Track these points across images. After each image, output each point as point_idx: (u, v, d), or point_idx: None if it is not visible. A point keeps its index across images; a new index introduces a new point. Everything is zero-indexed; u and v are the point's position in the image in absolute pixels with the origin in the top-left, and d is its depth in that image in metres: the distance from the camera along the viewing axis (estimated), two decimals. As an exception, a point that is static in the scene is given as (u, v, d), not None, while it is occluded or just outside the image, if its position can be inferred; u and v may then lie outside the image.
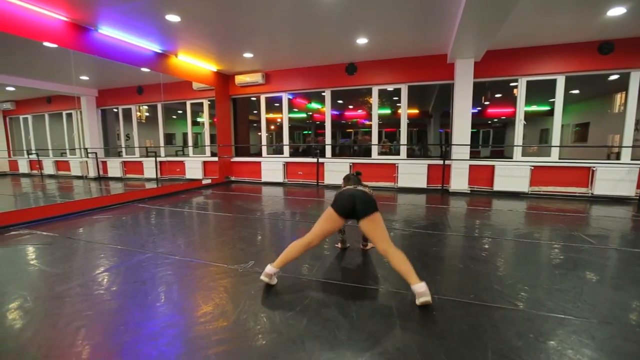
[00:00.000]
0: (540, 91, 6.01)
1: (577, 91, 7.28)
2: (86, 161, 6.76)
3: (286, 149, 7.64)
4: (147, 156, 7.28)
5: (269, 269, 1.99)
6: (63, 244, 2.97)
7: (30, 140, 6.68)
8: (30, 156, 6.83)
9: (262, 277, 1.99)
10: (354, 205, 1.99)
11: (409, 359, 1.34)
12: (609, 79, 5.67)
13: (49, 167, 6.96)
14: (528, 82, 5.69)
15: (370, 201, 2.02)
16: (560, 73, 5.47)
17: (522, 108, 5.79)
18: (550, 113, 5.82)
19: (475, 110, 6.79)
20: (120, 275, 2.26)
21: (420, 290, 1.73)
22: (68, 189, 6.21)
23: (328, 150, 7.26)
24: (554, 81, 5.57)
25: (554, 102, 5.65)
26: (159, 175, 7.00)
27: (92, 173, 6.80)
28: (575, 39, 5.16)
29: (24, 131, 6.64)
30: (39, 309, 1.80)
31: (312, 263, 2.45)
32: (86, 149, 6.62)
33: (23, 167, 6.89)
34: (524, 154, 5.96)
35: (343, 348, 1.43)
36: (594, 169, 5.28)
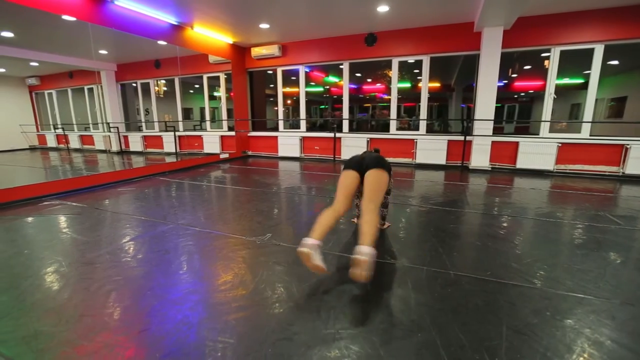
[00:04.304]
0: (574, 62, 5.57)
1: (615, 62, 6.72)
2: (109, 135, 6.96)
3: (303, 124, 7.58)
4: (167, 131, 7.42)
5: (307, 239, 1.75)
6: (91, 214, 3.13)
7: (55, 115, 6.92)
8: (56, 130, 7.10)
9: (301, 249, 1.72)
10: (363, 159, 2.18)
11: (423, 331, 1.37)
12: (654, 47, 5.18)
13: (74, 141, 7.24)
14: (561, 52, 5.28)
15: (382, 159, 2.17)
16: (599, 42, 5.03)
17: (553, 81, 5.42)
18: (584, 86, 5.42)
19: (501, 84, 6.39)
20: (145, 245, 2.37)
21: (364, 251, 1.59)
22: (93, 162, 6.46)
23: (345, 125, 7.14)
24: (590, 51, 5.15)
25: (588, 74, 5.25)
26: (178, 150, 7.15)
27: (115, 147, 7.02)
28: (619, 2, 4.68)
29: (49, 106, 6.86)
30: (73, 273, 1.94)
31: (328, 237, 2.48)
32: (108, 124, 6.80)
33: (51, 141, 7.20)
34: (551, 130, 5.66)
35: (357, 319, 1.47)
36: (628, 146, 4.97)
